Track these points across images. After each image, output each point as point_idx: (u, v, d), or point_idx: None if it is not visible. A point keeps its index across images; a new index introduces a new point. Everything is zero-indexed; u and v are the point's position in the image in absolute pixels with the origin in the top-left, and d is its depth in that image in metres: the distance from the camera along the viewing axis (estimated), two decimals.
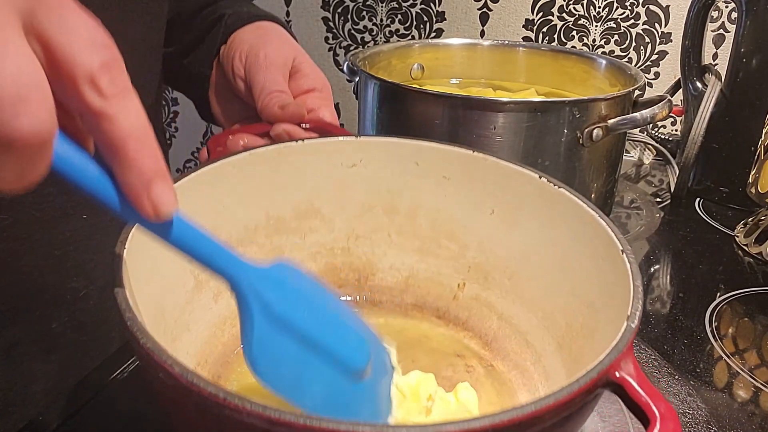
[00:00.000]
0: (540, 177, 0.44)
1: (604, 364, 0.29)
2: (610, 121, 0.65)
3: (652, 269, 0.68)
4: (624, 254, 0.36)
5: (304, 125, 0.50)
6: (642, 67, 1.07)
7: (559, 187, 0.43)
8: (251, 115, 0.53)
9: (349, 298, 0.52)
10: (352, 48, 1.25)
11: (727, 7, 1.00)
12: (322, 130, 0.50)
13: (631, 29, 1.06)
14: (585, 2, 1.07)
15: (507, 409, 0.26)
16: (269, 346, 0.31)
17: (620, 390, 0.29)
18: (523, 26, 1.11)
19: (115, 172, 0.26)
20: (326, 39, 1.26)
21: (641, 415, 0.28)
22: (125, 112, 0.24)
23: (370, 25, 1.22)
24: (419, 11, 1.17)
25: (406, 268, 0.51)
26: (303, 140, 0.46)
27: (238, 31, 0.55)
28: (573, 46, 1.10)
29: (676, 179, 0.83)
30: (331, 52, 1.27)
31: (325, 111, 0.50)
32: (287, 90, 0.50)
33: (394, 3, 1.18)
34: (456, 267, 0.49)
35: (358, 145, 0.47)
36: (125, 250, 0.33)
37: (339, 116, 1.32)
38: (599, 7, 1.06)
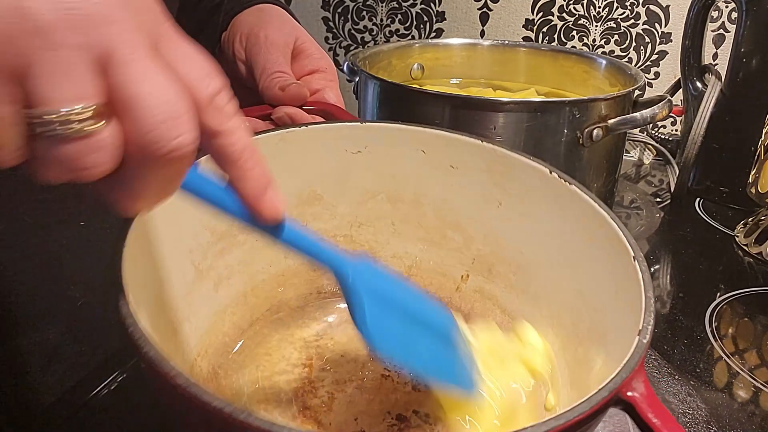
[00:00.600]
0: (551, 172, 0.42)
1: (615, 382, 0.28)
2: (610, 121, 0.65)
3: (652, 269, 0.68)
4: (636, 261, 0.35)
5: (307, 108, 0.48)
6: (642, 67, 1.07)
7: (571, 184, 0.41)
8: (256, 102, 0.53)
9: None
10: (352, 48, 1.25)
11: (727, 7, 1.00)
12: (327, 113, 0.49)
13: (631, 29, 1.06)
14: (585, 2, 1.07)
15: (516, 430, 0.25)
16: (379, 322, 0.35)
17: (631, 409, 0.29)
18: (523, 26, 1.11)
19: (234, 183, 0.29)
20: (326, 39, 1.26)
21: None
22: (239, 131, 0.27)
23: (370, 25, 1.22)
24: (419, 11, 1.17)
25: (409, 258, 0.50)
26: (306, 125, 0.45)
27: (239, 15, 0.54)
28: (573, 46, 1.10)
29: (676, 179, 0.82)
30: (331, 52, 1.27)
31: (329, 92, 0.49)
32: (289, 70, 0.49)
33: (394, 3, 1.18)
34: (460, 258, 0.49)
35: (364, 130, 0.46)
36: (124, 248, 0.33)
37: None
38: (599, 7, 1.06)
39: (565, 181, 0.42)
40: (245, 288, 0.47)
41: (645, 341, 0.30)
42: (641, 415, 0.28)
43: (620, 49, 1.07)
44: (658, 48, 1.05)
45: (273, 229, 0.32)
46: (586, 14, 1.07)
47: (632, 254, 0.36)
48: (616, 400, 0.28)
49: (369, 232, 0.50)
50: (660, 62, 1.06)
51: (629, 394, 0.29)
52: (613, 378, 0.28)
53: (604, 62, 0.79)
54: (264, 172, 0.29)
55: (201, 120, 0.26)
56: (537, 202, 0.44)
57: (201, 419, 0.27)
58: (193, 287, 0.42)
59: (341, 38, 1.25)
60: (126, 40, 0.23)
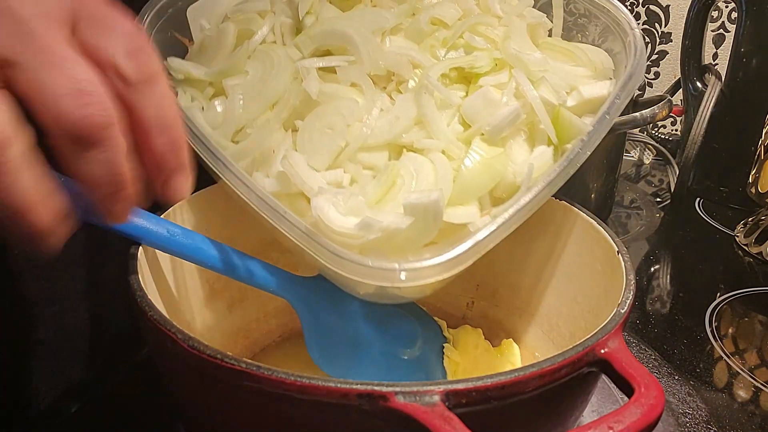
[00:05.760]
0: None
1: (590, 341, 0.30)
2: None
3: (652, 269, 0.68)
4: (619, 255, 0.37)
5: None
6: None
7: (560, 200, 0.44)
8: None
9: None
10: None
11: (727, 7, 0.99)
12: None
13: None
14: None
15: (491, 374, 0.27)
16: (326, 342, 0.36)
17: (606, 366, 0.30)
18: None
19: (138, 154, 0.26)
20: None
21: (626, 386, 0.29)
22: (148, 99, 0.25)
23: None
24: None
25: None
26: None
27: None
28: None
29: (676, 179, 0.82)
30: None
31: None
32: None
33: None
34: (465, 286, 0.50)
35: None
36: (139, 251, 0.35)
37: None
38: None
39: (555, 198, 0.44)
40: (258, 314, 0.48)
41: (623, 311, 0.33)
42: (615, 368, 0.29)
43: None
44: (658, 48, 1.05)
45: (221, 262, 0.33)
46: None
47: (616, 249, 0.38)
48: (592, 358, 0.30)
49: None
50: (660, 62, 1.06)
51: (603, 351, 0.30)
52: (588, 337, 0.30)
53: None
54: (174, 157, 0.26)
55: (109, 87, 0.24)
56: (532, 222, 0.45)
57: (199, 371, 0.29)
58: (206, 304, 0.43)
59: None
60: (30, 32, 0.23)
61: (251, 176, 0.35)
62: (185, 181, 0.27)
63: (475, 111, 0.37)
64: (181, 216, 0.41)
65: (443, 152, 0.36)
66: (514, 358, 0.43)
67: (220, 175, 0.33)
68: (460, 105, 0.37)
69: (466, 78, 0.39)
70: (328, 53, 0.39)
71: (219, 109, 0.37)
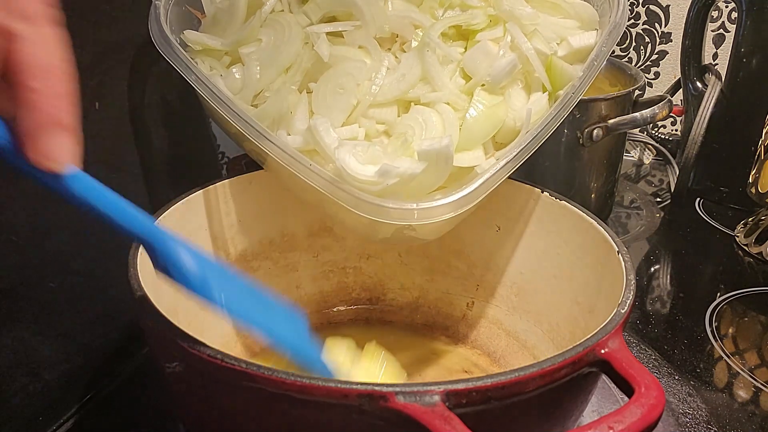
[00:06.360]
0: (542, 191, 0.45)
1: (591, 341, 0.30)
2: (610, 121, 0.65)
3: (652, 269, 0.68)
4: (619, 254, 0.37)
5: None
6: (642, 67, 1.07)
7: (560, 200, 0.44)
8: None
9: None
10: None
11: (727, 7, 0.99)
12: None
13: (631, 29, 1.06)
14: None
15: (492, 374, 0.27)
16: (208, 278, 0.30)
17: (606, 366, 0.30)
18: None
19: (16, 109, 0.22)
20: None
21: (626, 387, 0.29)
22: (40, 39, 0.21)
23: None
24: None
25: (416, 288, 0.51)
26: None
27: None
28: None
29: (676, 179, 0.82)
30: None
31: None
32: None
33: None
34: (465, 286, 0.50)
35: None
36: (140, 251, 0.35)
37: None
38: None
39: (555, 198, 0.44)
40: None
41: (623, 311, 0.33)
42: (616, 368, 0.29)
43: (620, 49, 1.07)
44: (658, 48, 1.05)
45: (57, 180, 0.24)
46: None
47: (616, 249, 0.38)
48: (593, 358, 0.30)
49: (377, 264, 0.51)
50: (660, 62, 1.06)
51: (603, 351, 0.30)
52: (589, 337, 0.30)
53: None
54: (56, 105, 0.21)
55: None
56: (532, 221, 0.46)
57: (198, 372, 0.29)
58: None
59: None
60: None
61: None
62: (64, 143, 0.22)
63: (474, 64, 0.40)
64: (179, 220, 0.40)
65: (448, 104, 0.39)
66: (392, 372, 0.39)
67: (247, 135, 0.36)
68: (461, 60, 0.41)
69: (464, 35, 0.43)
70: (334, 19, 0.42)
71: (237, 76, 0.40)
